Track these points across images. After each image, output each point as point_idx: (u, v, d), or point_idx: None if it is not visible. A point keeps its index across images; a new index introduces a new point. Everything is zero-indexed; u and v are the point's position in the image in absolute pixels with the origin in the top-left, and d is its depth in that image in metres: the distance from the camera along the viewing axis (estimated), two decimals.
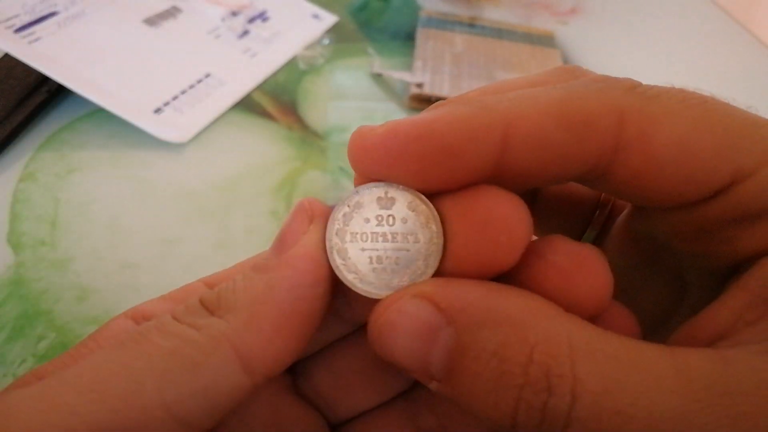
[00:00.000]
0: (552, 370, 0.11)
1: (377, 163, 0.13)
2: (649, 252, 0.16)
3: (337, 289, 0.15)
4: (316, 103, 0.40)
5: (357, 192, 0.14)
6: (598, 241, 0.18)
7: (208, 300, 0.14)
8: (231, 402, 0.13)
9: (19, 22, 0.35)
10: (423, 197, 0.14)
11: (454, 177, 0.13)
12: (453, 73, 0.43)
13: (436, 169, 0.13)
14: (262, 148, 0.36)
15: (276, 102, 0.40)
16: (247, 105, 0.39)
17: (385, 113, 0.40)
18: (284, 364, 0.13)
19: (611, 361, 0.11)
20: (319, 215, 0.14)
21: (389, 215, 0.14)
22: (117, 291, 0.27)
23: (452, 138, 0.13)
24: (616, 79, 0.13)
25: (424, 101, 0.41)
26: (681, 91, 0.13)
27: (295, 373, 0.17)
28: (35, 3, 0.37)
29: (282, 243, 0.14)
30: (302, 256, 0.14)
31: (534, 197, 0.18)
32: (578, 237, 0.19)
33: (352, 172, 0.15)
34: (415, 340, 0.13)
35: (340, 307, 0.16)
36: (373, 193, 0.14)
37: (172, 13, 0.42)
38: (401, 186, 0.14)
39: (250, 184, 0.34)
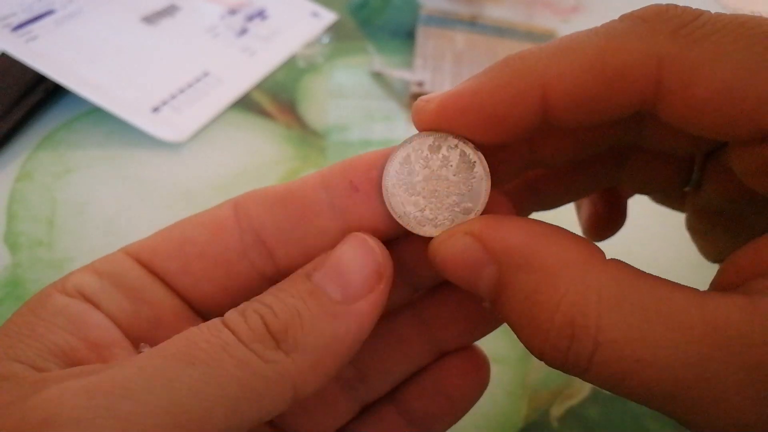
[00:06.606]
0: (576, 320, 0.12)
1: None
2: (742, 191, 0.17)
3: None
4: (315, 101, 0.40)
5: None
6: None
7: (275, 330, 0.14)
8: (268, 419, 0.14)
9: (16, 21, 0.35)
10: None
11: (505, 135, 0.15)
12: (454, 71, 0.43)
13: (488, 132, 0.15)
14: (261, 147, 0.36)
15: (275, 101, 0.40)
16: (245, 104, 0.39)
17: (385, 112, 0.40)
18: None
19: (638, 311, 0.12)
20: (388, 274, 0.15)
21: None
22: None
23: (494, 108, 0.14)
24: (665, 19, 0.13)
25: None
26: (741, 25, 0.13)
27: None
28: (32, 1, 0.37)
29: (348, 288, 0.14)
30: (369, 314, 0.15)
31: (624, 159, 0.20)
32: (677, 191, 0.20)
33: None
34: (465, 271, 0.15)
35: None
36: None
37: (170, 11, 0.42)
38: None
39: (248, 183, 0.33)
